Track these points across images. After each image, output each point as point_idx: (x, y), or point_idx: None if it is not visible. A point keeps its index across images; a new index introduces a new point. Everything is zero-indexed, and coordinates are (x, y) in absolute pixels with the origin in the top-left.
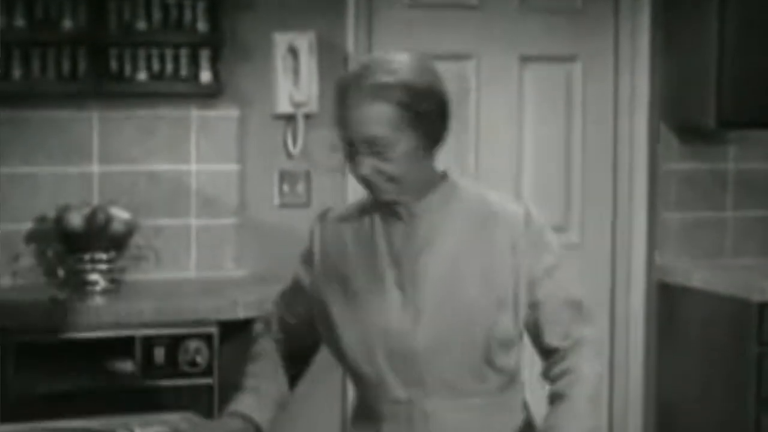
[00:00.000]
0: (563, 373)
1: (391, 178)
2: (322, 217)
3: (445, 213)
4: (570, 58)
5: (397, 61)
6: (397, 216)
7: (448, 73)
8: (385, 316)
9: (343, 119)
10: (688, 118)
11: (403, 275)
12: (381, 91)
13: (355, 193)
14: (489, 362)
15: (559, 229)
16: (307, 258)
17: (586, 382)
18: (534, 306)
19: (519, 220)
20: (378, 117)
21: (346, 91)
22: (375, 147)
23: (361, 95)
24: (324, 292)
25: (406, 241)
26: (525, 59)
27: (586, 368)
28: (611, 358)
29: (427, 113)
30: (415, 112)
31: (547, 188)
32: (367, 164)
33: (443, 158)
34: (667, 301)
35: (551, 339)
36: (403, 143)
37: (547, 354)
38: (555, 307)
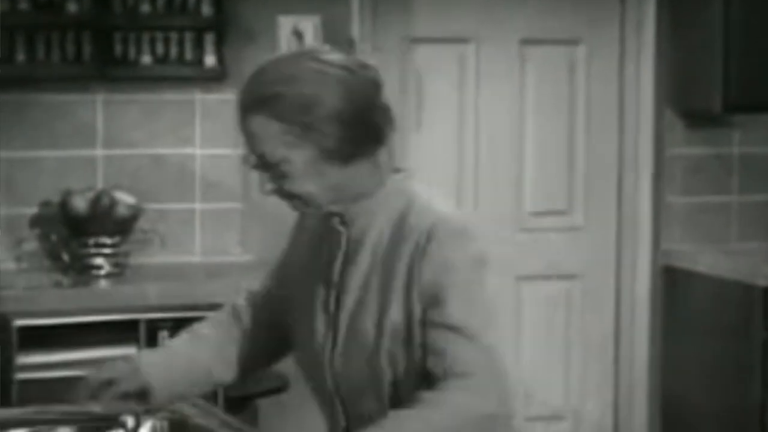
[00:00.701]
0: (425, 399)
1: (293, 197)
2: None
3: (370, 226)
4: (573, 41)
5: (279, 71)
6: (325, 229)
7: (448, 56)
8: (310, 339)
9: (241, 133)
10: (693, 102)
11: (329, 295)
12: (261, 107)
13: None
14: (403, 396)
15: (563, 212)
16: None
17: (449, 411)
18: (424, 327)
19: (422, 235)
20: (259, 133)
21: (236, 107)
22: (269, 164)
23: (241, 111)
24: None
25: (330, 257)
26: (526, 42)
27: (461, 401)
28: (616, 342)
29: (317, 124)
30: (301, 125)
31: (550, 172)
32: (268, 183)
33: (443, 143)
34: (673, 285)
35: (433, 367)
36: (298, 158)
37: (427, 383)
38: (443, 333)
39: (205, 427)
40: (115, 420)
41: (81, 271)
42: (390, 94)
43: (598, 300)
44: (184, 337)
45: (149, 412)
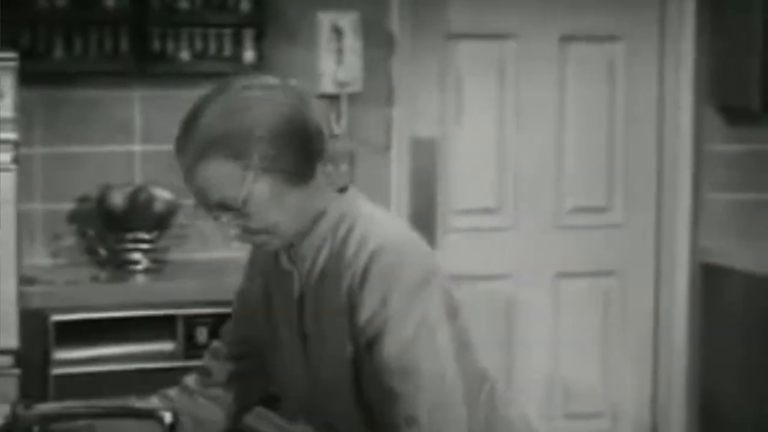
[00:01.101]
0: None
1: (261, 231)
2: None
3: (316, 263)
4: (613, 39)
5: (209, 112)
6: (281, 266)
7: (488, 53)
8: (285, 372)
9: (189, 189)
10: (732, 99)
11: (292, 330)
12: (202, 154)
13: (398, 173)
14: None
15: (602, 209)
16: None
17: None
18: (371, 367)
19: (356, 275)
20: (213, 179)
21: (180, 164)
22: (228, 208)
23: (187, 164)
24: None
25: (287, 297)
26: (566, 39)
27: None
28: (655, 339)
29: (265, 154)
30: (250, 159)
31: (590, 169)
32: (231, 227)
33: (483, 141)
34: (711, 282)
35: (383, 414)
36: (260, 192)
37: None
38: (386, 374)
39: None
40: (152, 415)
41: (118, 266)
42: (430, 91)
43: (636, 297)
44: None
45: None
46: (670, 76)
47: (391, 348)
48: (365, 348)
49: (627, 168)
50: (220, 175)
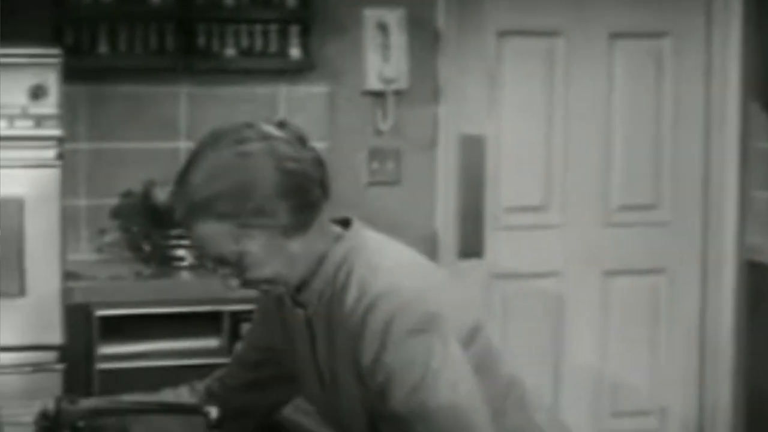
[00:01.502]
0: None
1: (261, 282)
2: None
3: (322, 300)
4: (660, 35)
5: (201, 172)
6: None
7: (536, 50)
8: (314, 398)
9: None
10: None
11: (317, 362)
12: (200, 214)
13: (445, 170)
14: None
15: (649, 207)
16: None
17: None
18: (382, 416)
19: (357, 318)
20: (208, 238)
21: (177, 221)
22: (226, 262)
23: (183, 221)
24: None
25: (303, 329)
26: (614, 36)
27: None
28: (701, 337)
29: (258, 211)
30: (243, 217)
31: (637, 167)
32: (233, 280)
33: (530, 138)
34: (757, 279)
35: None
36: (253, 247)
37: None
38: (397, 422)
39: (302, 425)
40: (198, 411)
41: (162, 262)
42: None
43: (683, 295)
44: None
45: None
46: (717, 73)
47: (397, 397)
48: (375, 395)
49: (674, 165)
50: (214, 234)
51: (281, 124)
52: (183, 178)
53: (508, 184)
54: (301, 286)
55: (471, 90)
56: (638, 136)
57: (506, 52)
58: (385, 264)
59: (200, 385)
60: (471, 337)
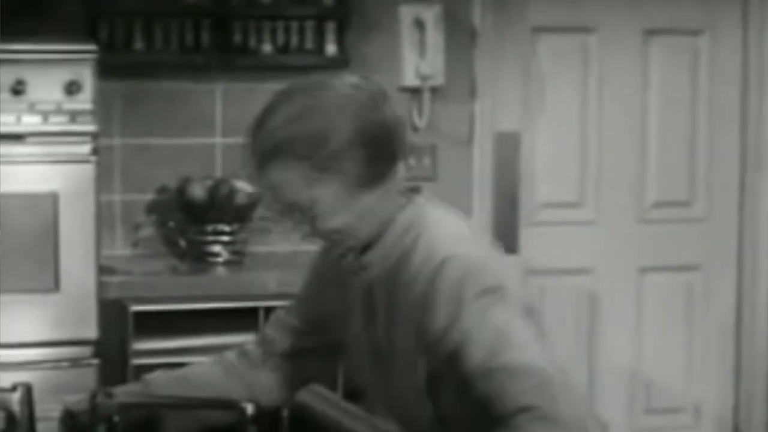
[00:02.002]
0: None
1: (332, 232)
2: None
3: (386, 264)
4: (696, 32)
5: (281, 114)
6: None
7: (571, 47)
8: (358, 364)
9: (260, 187)
10: None
11: (374, 328)
12: (275, 155)
13: (481, 167)
14: None
15: (685, 204)
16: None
17: None
18: (454, 380)
19: (425, 282)
20: (283, 181)
21: (249, 162)
22: (298, 208)
23: (257, 164)
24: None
25: (361, 293)
26: (650, 32)
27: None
28: (737, 334)
29: (337, 154)
30: (320, 161)
31: (672, 163)
32: (302, 227)
33: (566, 135)
34: None
35: (493, 410)
36: (326, 195)
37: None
38: (474, 385)
39: (328, 415)
40: (234, 406)
41: (198, 258)
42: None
43: (719, 292)
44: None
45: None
46: (754, 69)
47: (474, 359)
48: (445, 361)
49: (710, 161)
50: (288, 177)
51: (364, 78)
52: (261, 121)
53: (543, 181)
54: (367, 247)
55: (506, 86)
56: (673, 132)
57: (542, 48)
58: (452, 231)
59: (230, 354)
60: (529, 313)
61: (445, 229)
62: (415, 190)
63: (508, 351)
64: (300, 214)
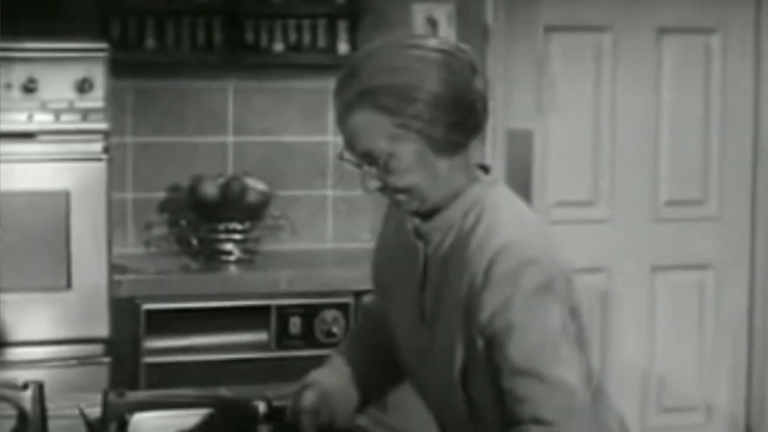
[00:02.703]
0: None
1: (401, 190)
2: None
3: (443, 244)
4: (709, 30)
5: (377, 63)
6: (406, 242)
7: (584, 45)
8: (406, 338)
9: (340, 133)
10: None
11: (416, 312)
12: (363, 101)
13: (493, 165)
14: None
15: (698, 202)
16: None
17: None
18: (490, 366)
19: (481, 268)
20: (364, 128)
21: (335, 105)
22: (373, 160)
23: (342, 108)
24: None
25: (412, 273)
26: (663, 31)
27: None
28: (749, 333)
29: (422, 113)
30: (404, 117)
31: (685, 162)
32: (372, 179)
33: (579, 133)
34: None
35: (510, 410)
36: (405, 152)
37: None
38: (509, 376)
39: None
40: (246, 405)
41: (210, 256)
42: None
43: (731, 290)
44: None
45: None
46: (766, 67)
47: (515, 352)
48: (483, 346)
49: (722, 160)
50: (371, 126)
51: (460, 48)
52: (355, 66)
53: (556, 179)
54: (429, 216)
55: (519, 85)
56: (686, 131)
57: (554, 47)
58: (516, 215)
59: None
60: (573, 313)
61: (508, 214)
62: (485, 169)
63: (547, 359)
64: (373, 166)
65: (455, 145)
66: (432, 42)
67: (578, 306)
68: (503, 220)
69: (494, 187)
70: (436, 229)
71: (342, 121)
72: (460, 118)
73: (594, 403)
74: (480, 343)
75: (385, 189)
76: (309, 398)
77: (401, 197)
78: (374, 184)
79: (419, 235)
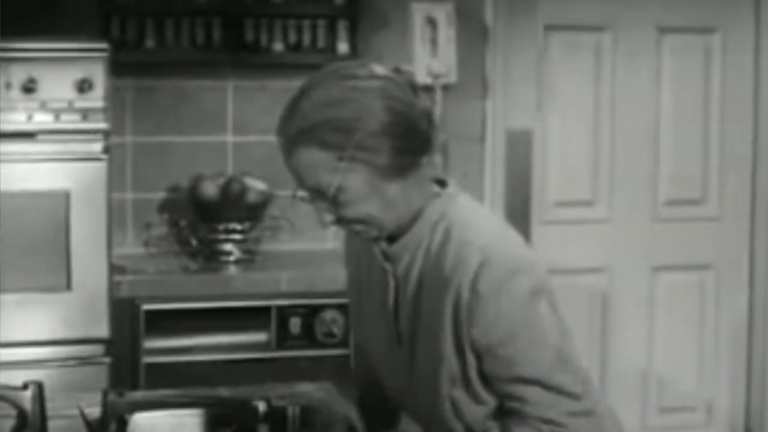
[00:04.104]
0: None
1: (356, 221)
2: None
3: (413, 264)
4: (709, 30)
5: (313, 99)
6: (376, 261)
7: (583, 45)
8: (383, 361)
9: (288, 170)
10: None
11: (392, 335)
12: (304, 140)
13: (493, 165)
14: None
15: (698, 202)
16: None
17: None
18: (489, 379)
19: (463, 287)
20: (308, 165)
21: (279, 145)
22: (322, 195)
23: (285, 146)
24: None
25: (387, 285)
26: (663, 30)
27: None
28: (750, 333)
29: (365, 143)
30: (347, 150)
31: (685, 162)
32: (326, 214)
33: (578, 133)
34: None
35: (519, 409)
36: (351, 183)
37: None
38: (513, 385)
39: (339, 413)
40: (246, 404)
41: (210, 257)
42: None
43: (731, 290)
44: None
45: (282, 398)
46: (766, 67)
47: (516, 363)
48: (475, 359)
49: (722, 160)
50: (315, 162)
51: (397, 70)
52: (294, 104)
53: (556, 179)
54: (394, 238)
55: (519, 84)
56: (686, 131)
57: (554, 46)
58: (484, 225)
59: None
60: (554, 304)
61: (477, 225)
62: (442, 183)
63: (548, 367)
64: (324, 201)
65: (403, 167)
66: (368, 70)
67: (555, 298)
68: (476, 234)
69: (455, 199)
70: (404, 249)
71: (287, 159)
72: (405, 143)
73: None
74: (471, 357)
75: (341, 221)
76: None
77: (358, 227)
78: (329, 218)
79: (387, 257)
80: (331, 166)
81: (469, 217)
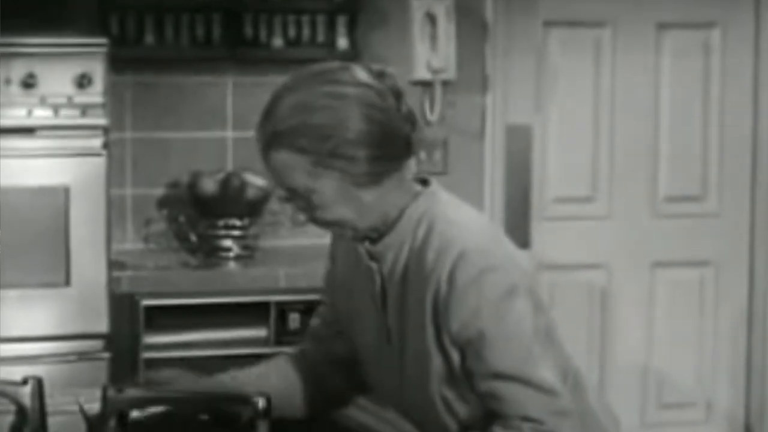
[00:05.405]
0: None
1: (329, 223)
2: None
3: (397, 262)
4: (709, 25)
5: (292, 102)
6: (362, 260)
7: (583, 40)
8: (377, 375)
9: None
10: None
11: (381, 330)
12: (280, 142)
13: (492, 160)
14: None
15: (697, 198)
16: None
17: None
18: (470, 375)
19: (442, 282)
20: (283, 167)
21: (257, 144)
22: (297, 195)
23: (261, 146)
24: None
25: (372, 293)
26: (662, 26)
27: None
28: (749, 330)
29: (341, 150)
30: (321, 156)
31: (685, 158)
32: (301, 213)
33: (578, 128)
34: None
35: (498, 410)
36: (324, 188)
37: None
38: (492, 381)
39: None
40: (245, 400)
41: (209, 252)
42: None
43: (731, 287)
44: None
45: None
46: (766, 63)
47: (493, 360)
48: (458, 354)
49: (722, 156)
50: (289, 165)
51: (380, 74)
52: (272, 105)
53: (555, 175)
54: (377, 238)
55: (518, 80)
56: (686, 126)
57: (553, 42)
58: (467, 222)
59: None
60: (539, 308)
61: (460, 222)
62: (425, 182)
63: (524, 364)
64: (299, 201)
65: (380, 174)
66: (350, 75)
67: (542, 300)
68: (457, 229)
69: (438, 197)
70: (388, 248)
71: (264, 158)
72: (382, 151)
73: (574, 397)
74: (454, 352)
75: (314, 221)
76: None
77: (333, 228)
78: (302, 218)
79: (372, 256)
80: (305, 170)
81: (451, 214)
